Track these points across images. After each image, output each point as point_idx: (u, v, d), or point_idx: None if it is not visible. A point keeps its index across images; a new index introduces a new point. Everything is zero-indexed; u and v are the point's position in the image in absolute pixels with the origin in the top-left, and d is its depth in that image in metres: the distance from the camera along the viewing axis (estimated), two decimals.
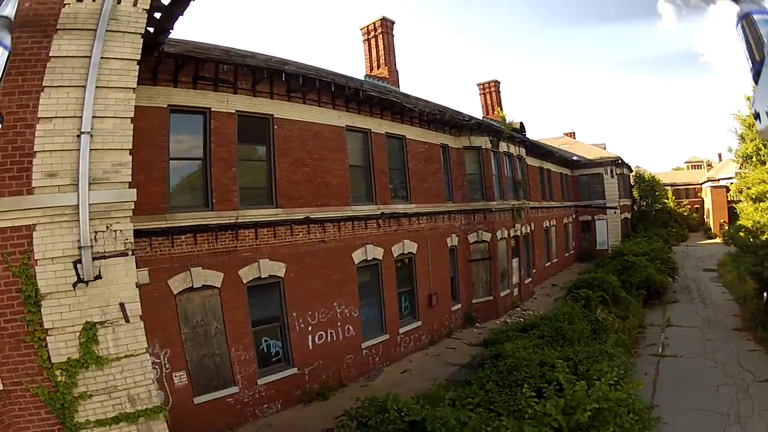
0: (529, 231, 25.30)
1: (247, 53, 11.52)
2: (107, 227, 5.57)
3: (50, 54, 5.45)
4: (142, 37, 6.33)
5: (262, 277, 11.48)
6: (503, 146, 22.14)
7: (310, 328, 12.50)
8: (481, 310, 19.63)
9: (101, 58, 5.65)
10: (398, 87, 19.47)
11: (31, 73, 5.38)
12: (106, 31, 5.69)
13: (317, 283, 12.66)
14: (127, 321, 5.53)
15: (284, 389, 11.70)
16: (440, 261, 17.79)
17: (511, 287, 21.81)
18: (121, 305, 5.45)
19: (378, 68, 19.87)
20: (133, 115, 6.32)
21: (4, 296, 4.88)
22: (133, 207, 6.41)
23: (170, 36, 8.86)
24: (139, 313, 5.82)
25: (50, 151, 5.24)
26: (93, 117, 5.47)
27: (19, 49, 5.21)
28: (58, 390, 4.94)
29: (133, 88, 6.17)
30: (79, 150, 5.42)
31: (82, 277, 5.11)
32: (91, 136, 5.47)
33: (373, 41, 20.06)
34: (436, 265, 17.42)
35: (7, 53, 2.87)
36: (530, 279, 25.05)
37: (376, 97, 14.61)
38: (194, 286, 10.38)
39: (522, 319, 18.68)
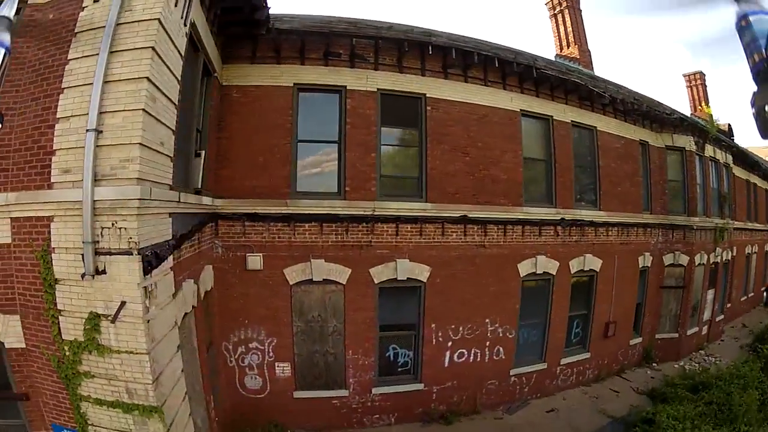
0: (730, 257, 13.49)
1: (381, 24, 6.54)
2: (113, 224, 3.60)
3: (68, 57, 3.80)
4: (159, 22, 3.70)
5: (399, 279, 6.64)
6: (709, 150, 11.67)
7: (449, 344, 7.18)
8: (661, 347, 10.64)
9: (110, 52, 3.60)
10: (591, 69, 11.47)
11: (53, 78, 3.82)
12: (116, 24, 3.64)
13: (468, 293, 7.14)
14: (113, 322, 3.60)
15: (403, 404, 6.90)
16: (627, 284, 9.70)
17: (701, 324, 11.66)
18: (122, 303, 3.56)
19: (567, 47, 11.97)
20: (144, 106, 3.55)
21: (30, 275, 3.84)
22: (139, 206, 3.56)
23: (280, 12, 5.38)
24: (141, 314, 3.61)
25: (66, 148, 3.72)
26: (102, 113, 3.57)
27: (44, 56, 3.87)
28: (65, 363, 3.82)
29: (147, 77, 3.59)
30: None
31: (85, 270, 3.55)
32: (100, 132, 3.55)
33: (559, 17, 12.09)
34: (621, 288, 9.47)
35: (7, 53, 1.88)
36: (722, 316, 13.41)
37: (554, 76, 7.74)
38: (314, 279, 6.25)
39: (701, 368, 9.92)
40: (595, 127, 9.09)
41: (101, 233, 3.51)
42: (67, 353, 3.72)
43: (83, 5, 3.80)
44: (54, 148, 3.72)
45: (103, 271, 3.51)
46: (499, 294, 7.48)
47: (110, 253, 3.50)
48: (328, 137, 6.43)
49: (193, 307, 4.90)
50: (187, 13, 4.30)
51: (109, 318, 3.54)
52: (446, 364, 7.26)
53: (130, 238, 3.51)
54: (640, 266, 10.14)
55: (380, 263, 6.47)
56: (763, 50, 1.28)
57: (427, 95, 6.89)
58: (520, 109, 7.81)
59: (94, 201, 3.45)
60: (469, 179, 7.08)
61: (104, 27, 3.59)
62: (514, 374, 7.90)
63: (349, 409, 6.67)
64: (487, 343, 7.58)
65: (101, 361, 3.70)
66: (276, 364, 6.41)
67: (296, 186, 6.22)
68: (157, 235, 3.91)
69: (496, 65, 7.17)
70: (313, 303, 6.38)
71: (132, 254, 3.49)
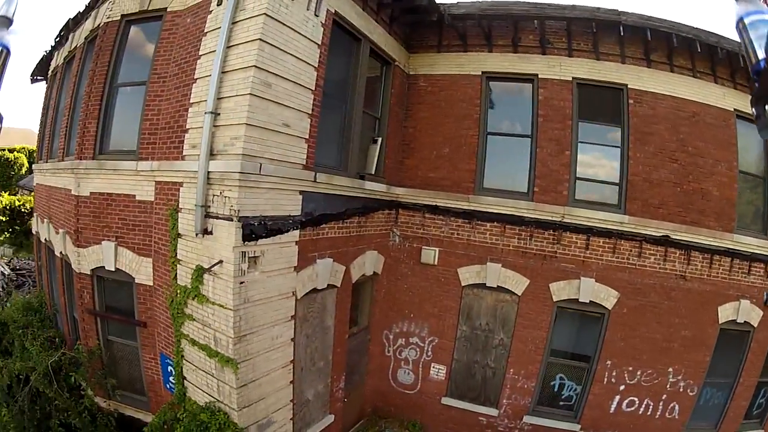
0: None
1: (566, 6, 5.74)
2: (220, 193, 3.98)
3: (199, 53, 4.39)
4: (266, 16, 3.94)
5: (581, 300, 5.70)
6: None
7: (622, 388, 5.99)
8: None
9: (226, 47, 4.01)
10: None
11: (189, 70, 4.47)
12: (231, 23, 4.02)
13: (656, 333, 5.91)
14: (206, 273, 4.03)
15: None
16: None
17: None
18: (219, 261, 3.94)
19: None
20: (251, 91, 3.88)
21: (163, 228, 4.44)
22: (240, 178, 3.87)
23: None
24: (232, 274, 3.89)
25: (195, 128, 4.26)
26: (219, 99, 4.02)
27: (184, 53, 4.54)
28: (175, 303, 4.34)
29: (254, 66, 3.90)
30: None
31: (196, 229, 4.02)
32: (217, 114, 3.99)
33: None
34: None
35: (7, 53, 1.62)
36: None
37: None
38: (487, 285, 5.65)
39: None
40: None
41: (212, 200, 3.97)
42: (178, 295, 4.32)
43: (210, 9, 4.35)
44: (187, 127, 4.36)
45: (210, 232, 3.97)
46: (690, 340, 6.09)
47: (217, 217, 3.94)
48: (518, 131, 5.87)
49: (331, 286, 5.09)
50: (318, 3, 4.45)
51: (211, 273, 3.98)
52: (612, 410, 6.06)
53: (232, 206, 3.86)
54: None
55: (563, 279, 5.64)
56: (763, 50, 1.19)
57: (629, 86, 5.92)
58: (734, 109, 6.35)
59: (208, 172, 3.94)
60: (676, 191, 5.89)
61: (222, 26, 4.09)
62: None
63: (494, 430, 5.89)
64: (664, 396, 6.20)
65: (200, 308, 4.18)
66: (432, 364, 5.94)
67: (482, 182, 5.76)
68: (272, 208, 4.19)
69: (699, 50, 5.87)
70: (482, 310, 5.78)
71: (232, 220, 3.84)
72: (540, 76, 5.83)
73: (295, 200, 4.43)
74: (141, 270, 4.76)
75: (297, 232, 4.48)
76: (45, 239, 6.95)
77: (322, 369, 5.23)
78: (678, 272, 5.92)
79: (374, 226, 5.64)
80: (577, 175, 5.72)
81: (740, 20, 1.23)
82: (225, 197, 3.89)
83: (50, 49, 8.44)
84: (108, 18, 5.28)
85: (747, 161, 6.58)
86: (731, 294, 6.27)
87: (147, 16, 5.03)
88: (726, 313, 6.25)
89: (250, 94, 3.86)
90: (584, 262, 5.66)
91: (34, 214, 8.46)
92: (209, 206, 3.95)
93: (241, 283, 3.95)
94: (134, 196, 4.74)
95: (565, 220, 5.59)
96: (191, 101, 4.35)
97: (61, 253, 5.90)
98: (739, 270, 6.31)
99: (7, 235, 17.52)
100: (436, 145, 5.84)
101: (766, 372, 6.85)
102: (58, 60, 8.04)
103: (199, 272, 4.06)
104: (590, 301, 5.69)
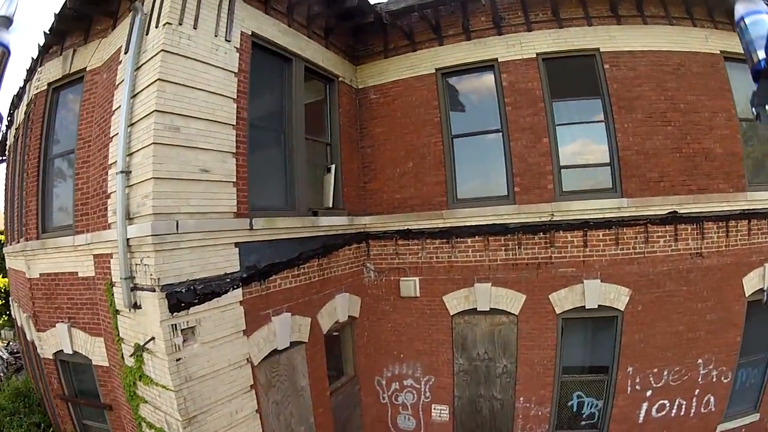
0: None
1: None
2: (141, 260, 3.43)
3: (113, 108, 3.89)
4: (167, 52, 3.47)
5: (587, 307, 4.88)
6: None
7: (648, 393, 5.21)
8: None
9: (131, 96, 3.58)
10: None
11: (107, 129, 3.92)
12: (135, 69, 3.64)
13: (678, 324, 5.12)
14: (140, 354, 3.54)
15: None
16: None
17: None
18: (151, 338, 3.42)
19: None
20: (155, 139, 3.33)
21: (105, 304, 3.91)
22: (154, 242, 3.28)
23: None
24: (165, 351, 3.32)
25: (114, 192, 3.66)
26: (129, 154, 3.55)
27: (103, 113, 4.08)
28: (127, 384, 3.82)
29: (156, 110, 3.35)
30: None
31: (125, 304, 3.56)
32: (128, 173, 3.52)
33: None
34: None
35: (7, 53, 1.69)
36: None
37: None
38: (478, 309, 4.84)
39: None
40: None
41: (136, 269, 3.49)
42: (127, 376, 3.84)
43: (119, 60, 3.90)
44: (109, 191, 3.85)
45: (139, 306, 3.50)
46: (717, 323, 5.29)
47: (142, 289, 3.46)
48: (487, 126, 4.99)
49: (297, 343, 4.54)
50: (229, 27, 3.97)
51: (147, 351, 3.53)
52: (640, 420, 5.30)
53: (152, 274, 3.37)
54: None
55: (563, 286, 4.81)
56: (764, 50, 1.20)
57: (602, 49, 5.07)
58: (721, 51, 5.52)
59: (127, 239, 3.47)
60: (676, 158, 5.06)
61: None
62: (721, 431, 5.65)
63: None
64: (696, 392, 5.43)
65: (148, 390, 3.72)
66: (433, 406, 5.17)
67: (455, 193, 4.93)
68: (201, 269, 3.63)
69: None
70: (478, 337, 4.97)
71: (155, 291, 3.35)
72: (500, 60, 4.95)
73: (230, 255, 3.87)
74: (95, 351, 4.36)
75: (239, 291, 3.93)
76: (20, 324, 6.68)
77: None
78: (693, 250, 5.13)
79: (342, 265, 4.87)
80: (561, 164, 4.86)
81: (741, 20, 1.23)
82: (145, 265, 3.42)
83: (5, 129, 8.00)
84: (37, 89, 5.05)
85: (746, 106, 5.82)
86: (754, 260, 5.48)
87: (71, 80, 4.73)
88: (752, 283, 5.47)
89: (153, 143, 3.40)
90: (585, 262, 4.83)
91: (10, 299, 8.40)
92: (134, 277, 3.51)
93: (178, 359, 3.44)
94: (77, 273, 4.37)
95: (555, 219, 4.74)
96: (109, 162, 3.91)
97: (29, 337, 5.62)
98: (758, 231, 5.52)
99: (6, 318, 16.60)
100: (399, 161, 5.03)
101: None
102: (10, 139, 7.68)
103: (138, 351, 3.60)
104: (599, 305, 4.87)
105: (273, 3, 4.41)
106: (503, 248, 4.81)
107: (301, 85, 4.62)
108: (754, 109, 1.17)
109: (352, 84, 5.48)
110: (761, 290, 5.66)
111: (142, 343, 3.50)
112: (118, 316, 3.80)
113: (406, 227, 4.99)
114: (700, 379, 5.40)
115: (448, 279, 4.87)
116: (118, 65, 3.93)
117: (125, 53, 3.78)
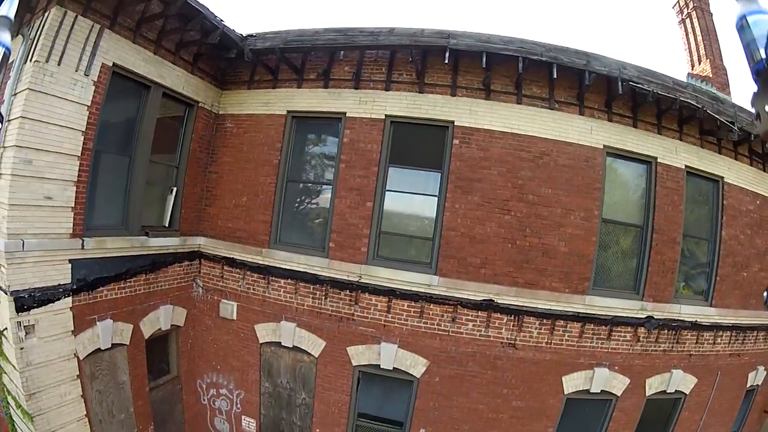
0: None
1: (380, 29, 4.88)
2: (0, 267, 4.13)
3: None
4: (32, 91, 3.89)
5: (383, 367, 5.19)
6: None
7: None
8: None
9: (6, 125, 4.06)
10: (727, 93, 7.98)
11: None
12: (12, 95, 4.09)
13: (479, 403, 5.29)
14: (3, 336, 4.27)
15: None
16: (723, 409, 6.34)
17: None
18: (5, 329, 4.16)
19: (699, 63, 8.42)
20: (12, 171, 3.92)
21: None
22: (6, 257, 3.99)
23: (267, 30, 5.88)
24: (12, 341, 4.09)
25: None
26: None
27: None
28: None
29: (16, 145, 3.87)
30: None
31: None
32: None
33: (687, 23, 8.54)
34: (715, 415, 6.25)
35: (7, 53, 1.65)
36: None
37: (651, 93, 4.94)
38: (283, 344, 5.30)
39: None
40: (722, 178, 5.97)
41: None
42: None
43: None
44: None
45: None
46: (525, 411, 5.42)
47: (0, 289, 4.09)
48: (321, 178, 5.25)
49: (119, 344, 5.11)
50: (90, 62, 4.32)
51: (2, 334, 4.20)
52: None
53: (4, 281, 4.05)
54: (748, 385, 6.68)
55: (361, 343, 5.13)
56: (764, 50, 1.18)
57: (456, 123, 5.05)
58: (605, 145, 5.34)
59: None
60: (507, 248, 5.08)
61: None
62: None
63: None
64: None
65: (6, 366, 4.37)
66: (243, 417, 5.78)
67: (278, 234, 5.28)
68: (40, 280, 4.24)
69: (557, 76, 4.81)
70: (282, 368, 5.45)
71: (7, 294, 4.05)
72: (348, 115, 5.10)
73: (63, 270, 4.50)
74: None
75: (69, 299, 4.57)
76: None
77: (124, 420, 5.35)
78: (505, 340, 5.20)
79: (170, 279, 5.42)
80: (382, 229, 5.05)
81: (741, 19, 1.23)
82: (2, 272, 4.10)
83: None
84: None
85: (618, 207, 5.57)
86: (582, 363, 5.47)
87: None
88: (574, 383, 5.50)
89: (11, 174, 3.93)
90: (386, 326, 5.09)
91: None
92: None
93: (22, 348, 4.21)
94: None
95: (362, 281, 5.02)
96: None
97: None
98: (594, 336, 5.47)
99: None
100: (236, 193, 5.38)
101: None
102: None
103: (1, 333, 4.33)
104: (394, 367, 5.17)
105: (143, 30, 4.77)
106: (311, 296, 5.17)
107: (155, 112, 5.01)
108: (754, 110, 1.17)
109: (213, 109, 5.73)
110: (587, 391, 5.65)
111: (1, 330, 4.22)
112: None
113: (232, 256, 5.43)
114: None
115: (261, 311, 5.34)
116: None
117: (10, 74, 4.13)
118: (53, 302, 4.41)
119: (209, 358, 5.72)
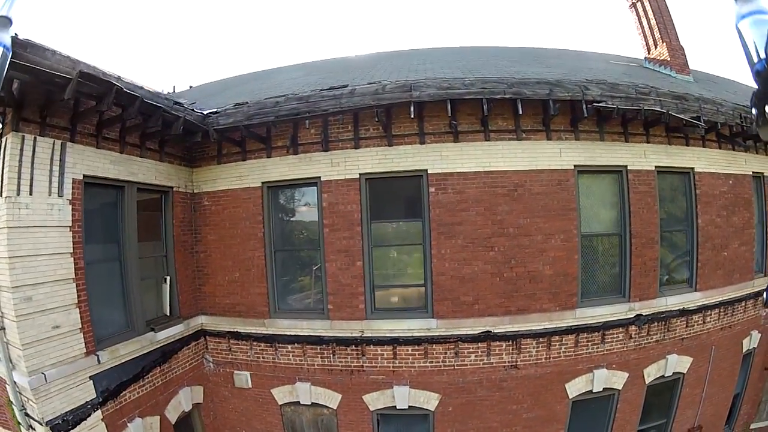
0: None
1: (342, 91, 5.05)
2: (27, 400, 4.14)
3: None
4: (11, 228, 3.83)
5: (399, 407, 5.51)
6: None
7: None
8: None
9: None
10: (687, 73, 8.17)
11: None
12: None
13: (492, 421, 5.67)
14: None
15: None
16: (722, 377, 6.87)
17: None
18: None
19: (655, 47, 8.54)
20: (17, 311, 3.87)
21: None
22: (33, 393, 4.02)
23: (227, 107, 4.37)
24: None
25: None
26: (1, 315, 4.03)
27: None
28: None
29: (12, 286, 3.85)
30: None
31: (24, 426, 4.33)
32: (3, 329, 4.03)
33: (639, 6, 8.58)
34: (715, 384, 6.77)
35: (7, 53, 1.72)
36: None
37: (615, 109, 5.19)
38: (301, 402, 5.59)
39: None
40: (693, 168, 6.25)
41: (26, 403, 4.15)
42: None
43: None
44: None
45: (33, 429, 4.14)
46: (535, 420, 5.82)
47: (33, 419, 4.16)
48: (306, 244, 5.41)
49: None
50: (61, 182, 4.29)
51: None
52: None
53: (37, 414, 4.09)
54: (744, 350, 7.22)
55: (375, 390, 5.44)
56: (764, 50, 1.18)
57: (429, 171, 5.21)
58: (575, 165, 5.56)
59: (14, 381, 4.09)
60: (495, 282, 5.36)
61: None
62: None
63: None
64: None
65: None
66: None
67: (276, 304, 5.46)
68: (68, 404, 4.33)
69: (522, 111, 5.00)
70: (305, 423, 5.76)
71: (41, 424, 4.13)
72: (323, 179, 5.21)
73: (87, 388, 4.62)
74: None
75: (99, 412, 4.70)
76: None
77: None
78: (507, 363, 5.55)
79: (182, 363, 5.62)
80: (375, 283, 5.28)
81: (741, 19, 1.23)
82: (32, 405, 4.16)
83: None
84: None
85: (594, 220, 5.83)
86: (581, 369, 5.87)
87: None
88: (576, 387, 5.91)
89: (16, 316, 3.94)
90: (395, 371, 5.40)
91: None
92: (25, 409, 4.20)
93: None
94: None
95: (365, 335, 5.29)
96: None
97: None
98: (588, 343, 5.84)
99: None
100: (227, 269, 5.53)
101: (645, 420, 6.53)
102: None
103: None
104: (410, 406, 5.51)
105: (105, 132, 4.75)
106: (319, 356, 5.44)
107: (134, 209, 5.06)
108: (754, 110, 1.17)
109: (188, 189, 5.79)
110: (590, 392, 6.08)
111: None
112: (20, 425, 4.40)
113: (235, 330, 5.64)
114: None
115: (275, 376, 5.60)
116: None
117: None
118: (85, 419, 4.57)
119: (233, 425, 6.00)
